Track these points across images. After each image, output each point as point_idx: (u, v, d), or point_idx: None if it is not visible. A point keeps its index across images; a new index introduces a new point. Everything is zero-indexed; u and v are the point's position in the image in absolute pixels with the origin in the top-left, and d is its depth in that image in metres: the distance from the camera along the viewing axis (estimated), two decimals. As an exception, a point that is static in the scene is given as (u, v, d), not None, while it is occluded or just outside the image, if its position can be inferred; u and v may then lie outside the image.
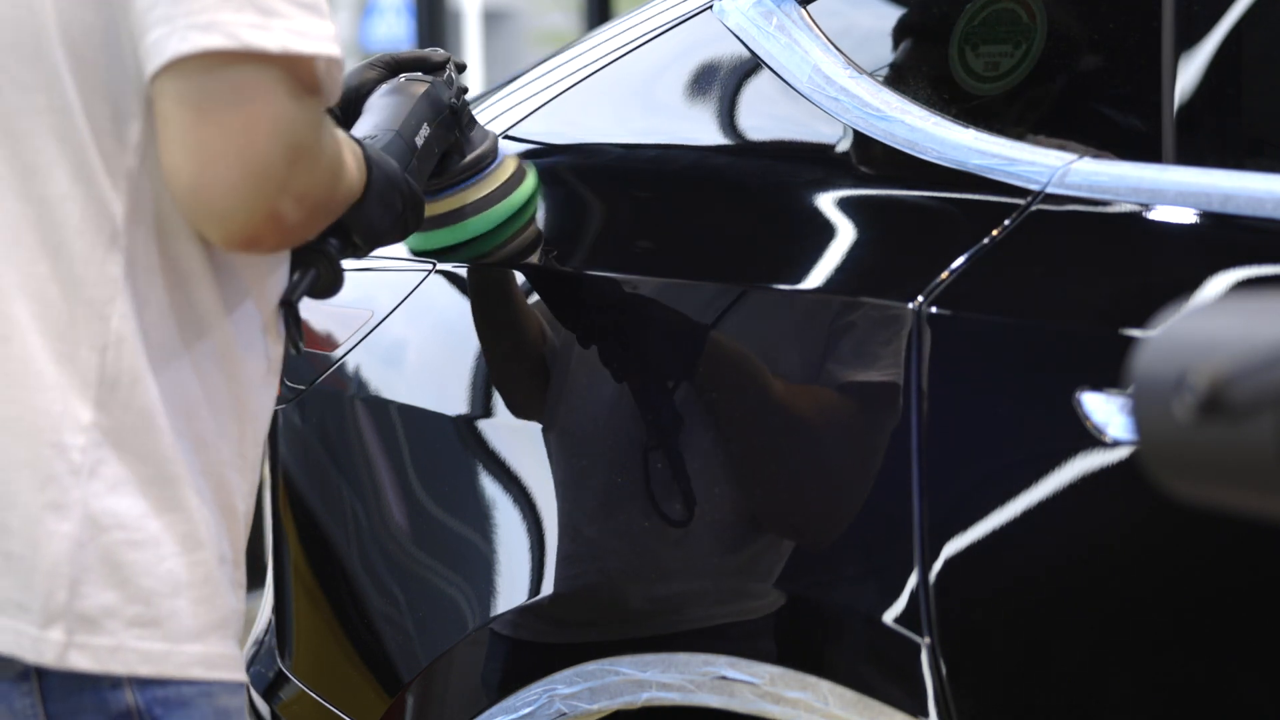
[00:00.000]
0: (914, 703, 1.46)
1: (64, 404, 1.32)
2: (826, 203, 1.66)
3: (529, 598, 1.73)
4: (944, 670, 1.45)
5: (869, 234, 1.62)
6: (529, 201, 1.77)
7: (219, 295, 1.37)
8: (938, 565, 1.45)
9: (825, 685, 1.52)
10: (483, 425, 1.82)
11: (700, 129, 1.81)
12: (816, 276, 1.59)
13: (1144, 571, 1.39)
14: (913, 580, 1.46)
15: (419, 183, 1.59)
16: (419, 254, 1.81)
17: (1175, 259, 1.47)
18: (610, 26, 1.98)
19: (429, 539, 1.87)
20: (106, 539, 1.33)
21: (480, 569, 1.79)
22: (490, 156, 1.75)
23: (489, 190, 1.74)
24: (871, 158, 1.66)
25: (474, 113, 1.76)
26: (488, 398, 1.82)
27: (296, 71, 1.27)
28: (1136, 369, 0.98)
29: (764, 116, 1.78)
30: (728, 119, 1.79)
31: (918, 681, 1.46)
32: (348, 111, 1.68)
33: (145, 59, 1.27)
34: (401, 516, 1.89)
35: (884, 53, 1.76)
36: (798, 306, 1.60)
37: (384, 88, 1.68)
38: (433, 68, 1.72)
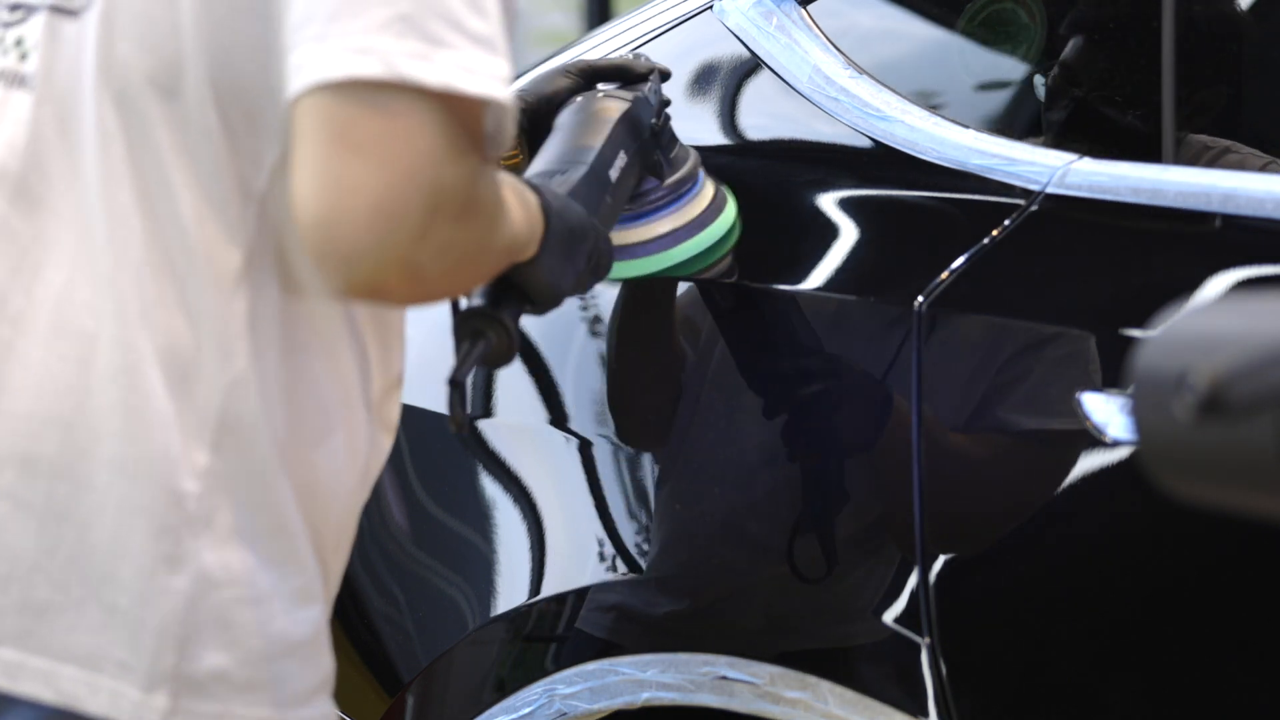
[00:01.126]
0: (914, 703, 1.46)
1: (181, 446, 1.21)
2: (826, 203, 1.66)
3: (529, 598, 1.73)
4: (944, 670, 1.45)
5: (869, 234, 1.62)
6: (729, 233, 1.59)
7: (346, 341, 1.26)
8: (938, 565, 1.45)
9: (825, 685, 1.52)
10: (483, 425, 1.82)
11: (700, 129, 1.81)
12: (816, 277, 1.59)
13: (1144, 571, 1.39)
14: (913, 580, 1.46)
15: (612, 219, 1.44)
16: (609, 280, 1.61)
17: (1175, 259, 1.47)
18: (610, 26, 1.98)
19: (429, 539, 1.87)
20: (219, 596, 1.22)
21: (480, 569, 1.79)
22: (690, 180, 1.57)
23: (686, 220, 1.56)
24: (871, 158, 1.66)
25: None
26: (488, 398, 1.82)
27: (457, 110, 1.12)
28: (1136, 369, 0.98)
29: (764, 116, 1.78)
30: (728, 119, 1.79)
31: (918, 681, 1.46)
32: (536, 124, 1.54)
33: (290, 77, 1.13)
34: (401, 516, 1.89)
35: (884, 53, 1.76)
36: (797, 306, 1.59)
37: (577, 103, 1.52)
38: (634, 79, 1.56)
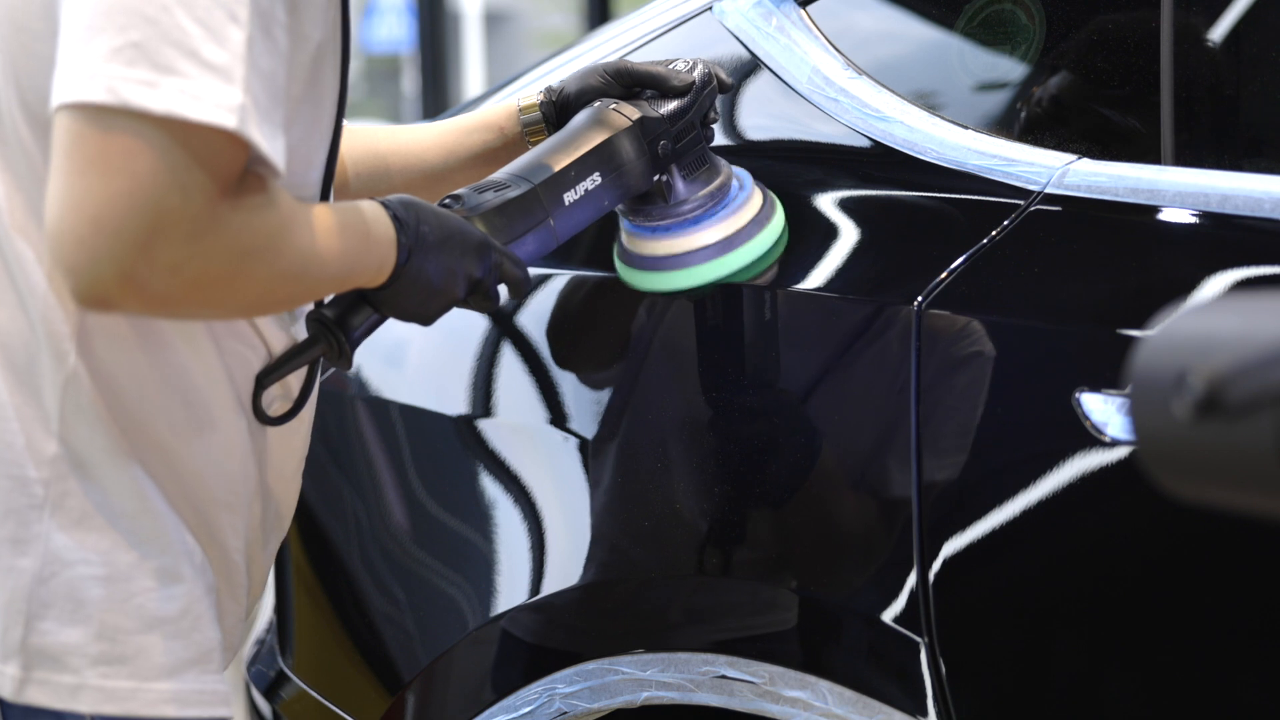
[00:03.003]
0: (913, 702, 1.46)
1: (26, 436, 1.30)
2: (826, 203, 1.66)
3: (529, 597, 1.73)
4: (943, 670, 1.45)
5: (869, 234, 1.62)
6: (775, 245, 1.60)
7: (193, 334, 1.32)
8: (937, 565, 1.45)
9: (824, 684, 1.52)
10: (483, 425, 1.82)
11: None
12: (816, 277, 1.59)
13: (1143, 571, 1.40)
14: (912, 580, 1.46)
15: (553, 240, 1.47)
16: (644, 292, 1.65)
17: (1174, 259, 1.47)
18: (610, 27, 1.99)
19: (429, 539, 1.87)
20: (70, 574, 1.30)
21: (480, 569, 1.79)
22: (725, 190, 1.58)
23: (728, 233, 1.57)
24: (871, 158, 1.66)
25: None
26: (488, 398, 1.82)
27: (183, 137, 1.17)
28: (1135, 368, 0.99)
29: (764, 116, 1.78)
30: (728, 119, 1.79)
31: (917, 681, 1.46)
32: (562, 118, 1.58)
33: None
34: (402, 516, 1.89)
35: (884, 53, 1.76)
36: (797, 306, 1.60)
37: (589, 110, 1.53)
38: (670, 92, 1.56)
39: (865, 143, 1.65)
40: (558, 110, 1.61)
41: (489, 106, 1.69)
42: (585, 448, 1.72)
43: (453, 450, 1.85)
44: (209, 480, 1.35)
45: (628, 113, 1.53)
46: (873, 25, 1.83)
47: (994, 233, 1.50)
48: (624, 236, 1.64)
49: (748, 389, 1.62)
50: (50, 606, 1.30)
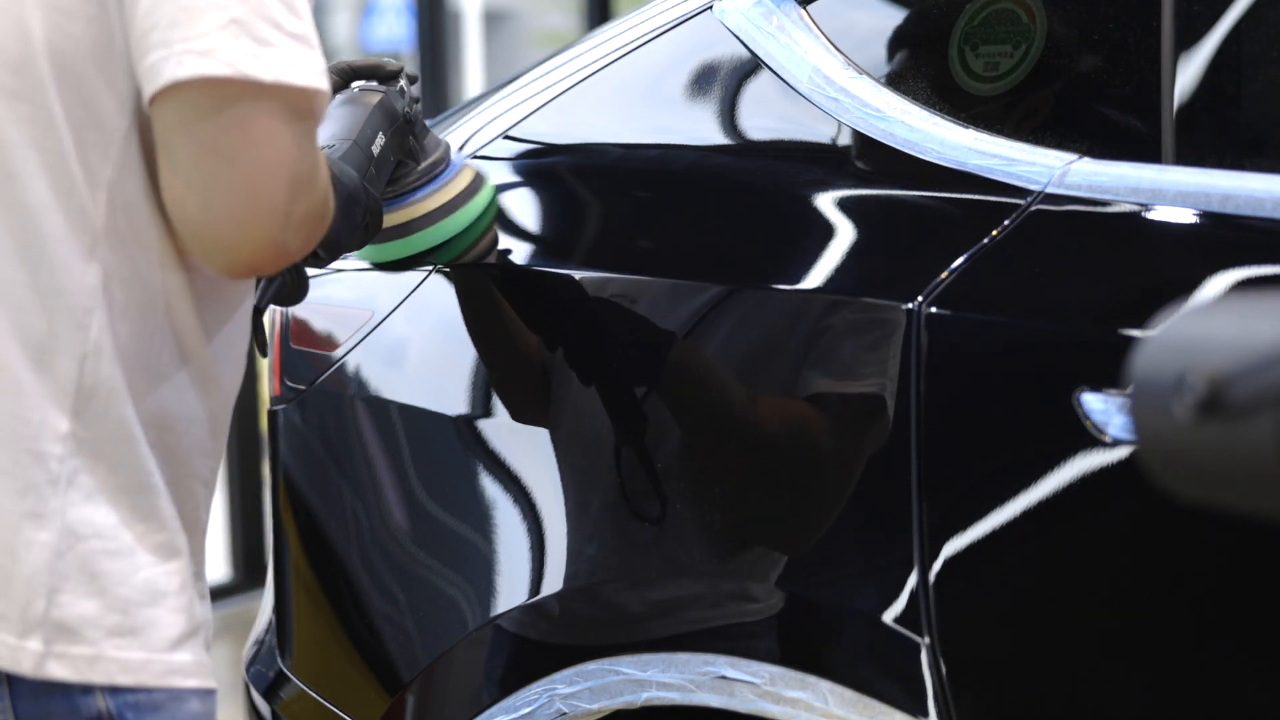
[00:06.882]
0: (913, 702, 1.46)
1: (42, 412, 1.33)
2: (826, 203, 1.66)
3: (529, 597, 1.73)
4: (944, 670, 1.45)
5: (869, 234, 1.62)
6: (483, 213, 1.79)
7: (195, 310, 1.38)
8: (937, 565, 1.45)
9: (825, 685, 1.52)
10: (483, 425, 1.82)
11: (700, 129, 1.81)
12: (816, 276, 1.59)
13: (1143, 571, 1.39)
14: (913, 580, 1.46)
15: (377, 191, 1.61)
16: (375, 265, 1.82)
17: (1175, 259, 1.47)
18: (610, 27, 1.98)
19: (429, 539, 1.87)
20: (84, 548, 1.33)
21: (480, 569, 1.79)
22: (443, 164, 1.77)
23: (442, 201, 1.76)
24: (871, 158, 1.66)
25: (475, 113, 1.77)
26: (488, 398, 1.82)
27: (291, 102, 1.28)
28: (1136, 369, 0.98)
29: (764, 116, 1.78)
30: (728, 119, 1.79)
31: (917, 681, 1.46)
32: None
33: (143, 81, 1.28)
34: (401, 516, 1.89)
35: (884, 53, 1.76)
36: (797, 307, 1.60)
37: (340, 97, 1.71)
38: (386, 77, 1.74)
39: (866, 143, 1.65)
40: None
41: None
42: (584, 448, 1.72)
43: (452, 450, 1.85)
44: (195, 456, 1.40)
45: (376, 89, 1.72)
46: (873, 24, 1.83)
47: (995, 232, 1.50)
48: None
49: (748, 389, 1.62)
50: (68, 579, 1.33)
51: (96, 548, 1.33)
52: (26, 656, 1.33)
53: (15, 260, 1.33)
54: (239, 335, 1.43)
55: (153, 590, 1.35)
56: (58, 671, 1.33)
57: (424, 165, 1.76)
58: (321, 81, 1.29)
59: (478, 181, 1.79)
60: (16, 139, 1.32)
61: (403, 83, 1.75)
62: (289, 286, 1.53)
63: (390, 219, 1.74)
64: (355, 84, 1.74)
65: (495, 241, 1.80)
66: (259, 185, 1.26)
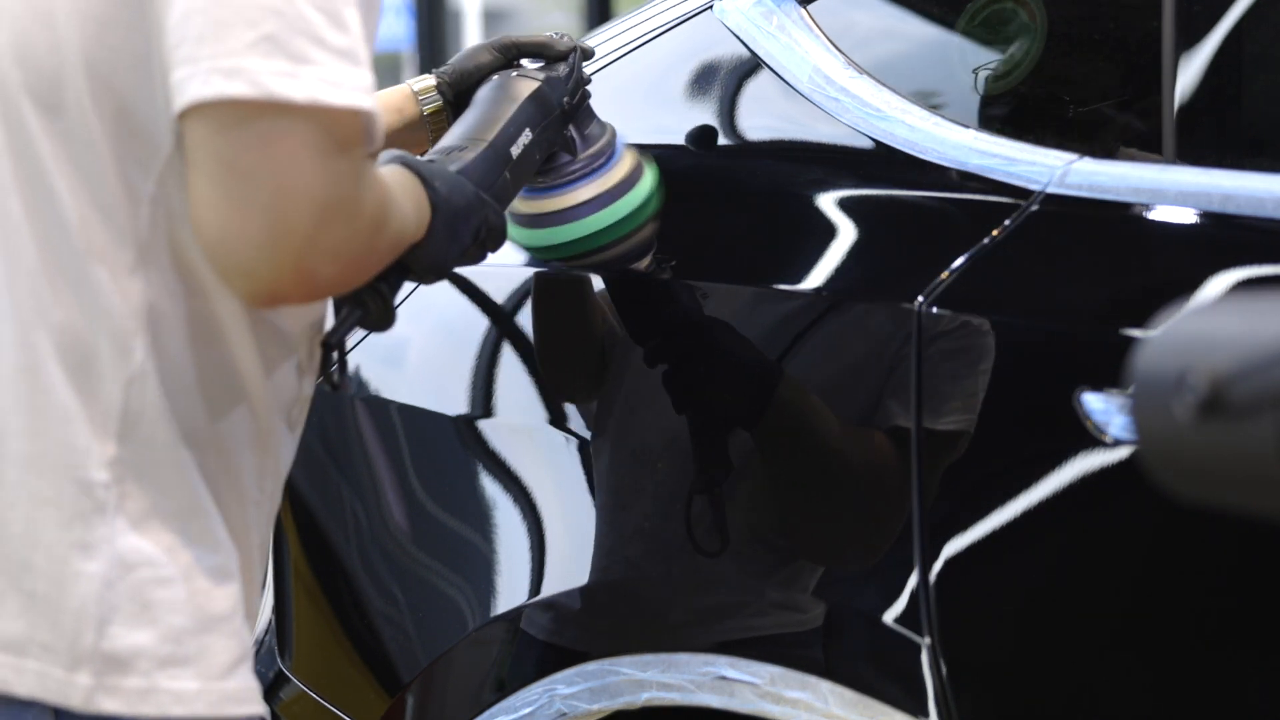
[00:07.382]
0: (914, 703, 1.46)
1: (88, 438, 1.28)
2: (826, 203, 1.66)
3: (529, 598, 1.73)
4: (944, 670, 1.44)
5: (869, 234, 1.62)
6: (645, 203, 1.67)
7: (252, 335, 1.32)
8: (938, 565, 1.45)
9: (825, 685, 1.52)
10: (483, 425, 1.81)
11: (700, 129, 1.81)
12: (816, 276, 1.59)
13: (1144, 571, 1.39)
14: (913, 580, 1.46)
15: (511, 193, 1.52)
16: (528, 251, 1.72)
17: (1175, 259, 1.47)
18: (610, 26, 1.98)
19: (429, 539, 1.87)
20: (134, 577, 1.28)
21: (480, 569, 1.79)
22: (605, 154, 1.66)
23: (601, 191, 1.65)
24: (871, 158, 1.66)
25: None
26: (488, 398, 1.82)
27: (328, 124, 1.20)
28: (1137, 369, 0.98)
29: (764, 116, 1.78)
30: (728, 119, 1.79)
31: (918, 681, 1.46)
32: (460, 97, 1.63)
33: (172, 95, 1.21)
34: (401, 516, 1.89)
35: (884, 53, 1.76)
36: (797, 307, 1.59)
37: (493, 81, 1.61)
38: (554, 57, 1.64)
39: (866, 142, 1.65)
40: (453, 88, 1.66)
41: (383, 92, 1.69)
42: (585, 448, 1.71)
43: (453, 450, 1.85)
44: (246, 475, 1.34)
45: (533, 76, 1.61)
46: (873, 24, 1.83)
47: (995, 232, 1.50)
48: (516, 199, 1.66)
49: (749, 389, 1.62)
50: (118, 610, 1.28)
51: (147, 576, 1.28)
52: (76, 691, 1.28)
53: (59, 281, 1.28)
54: (290, 356, 1.36)
55: (205, 616, 1.30)
56: (109, 706, 1.27)
57: (584, 156, 1.64)
58: (366, 101, 1.21)
59: (638, 170, 1.68)
60: (55, 154, 1.27)
61: (570, 65, 1.63)
62: (372, 316, 1.39)
63: (540, 206, 1.65)
64: (516, 66, 1.62)
65: (650, 243, 1.68)
66: (279, 209, 1.18)
